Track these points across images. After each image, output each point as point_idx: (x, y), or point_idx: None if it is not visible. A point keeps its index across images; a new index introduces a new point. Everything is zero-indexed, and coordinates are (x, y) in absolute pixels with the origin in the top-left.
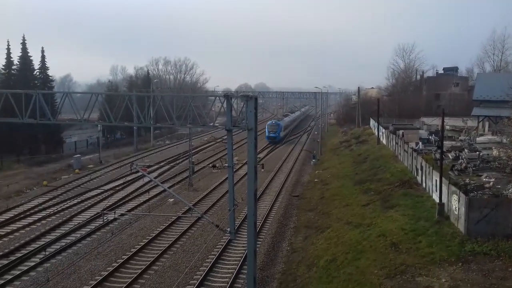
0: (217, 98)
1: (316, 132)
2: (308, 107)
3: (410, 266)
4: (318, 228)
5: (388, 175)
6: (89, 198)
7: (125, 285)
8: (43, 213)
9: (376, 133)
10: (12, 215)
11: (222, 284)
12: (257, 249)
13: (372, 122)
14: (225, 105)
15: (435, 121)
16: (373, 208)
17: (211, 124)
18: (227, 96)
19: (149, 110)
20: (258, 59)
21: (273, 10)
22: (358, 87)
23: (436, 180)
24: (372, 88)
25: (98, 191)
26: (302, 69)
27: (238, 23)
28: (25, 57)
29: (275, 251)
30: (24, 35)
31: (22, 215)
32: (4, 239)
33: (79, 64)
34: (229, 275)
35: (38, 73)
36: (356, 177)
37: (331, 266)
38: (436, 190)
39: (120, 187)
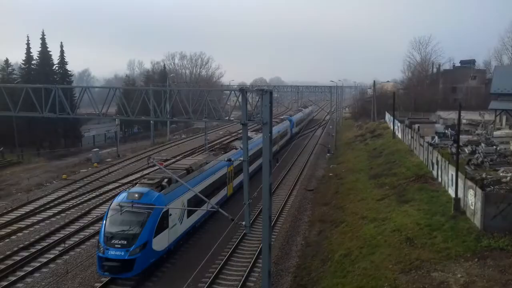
0: (233, 92)
1: (331, 126)
2: (313, 108)
3: (425, 261)
4: (332, 222)
5: (403, 169)
6: (107, 192)
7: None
8: (63, 206)
9: (392, 127)
10: (33, 207)
11: (237, 278)
12: (272, 243)
13: (388, 116)
14: (240, 99)
15: (452, 115)
16: (388, 203)
17: (227, 118)
18: (243, 90)
19: (166, 104)
20: (273, 54)
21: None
22: (374, 81)
23: (452, 175)
24: (388, 81)
25: (116, 184)
26: (317, 63)
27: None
28: (44, 52)
29: (290, 245)
30: (43, 31)
31: (42, 208)
32: (25, 231)
33: (97, 59)
34: (244, 268)
35: (57, 68)
36: (371, 171)
37: (346, 260)
38: (452, 185)
39: (138, 180)
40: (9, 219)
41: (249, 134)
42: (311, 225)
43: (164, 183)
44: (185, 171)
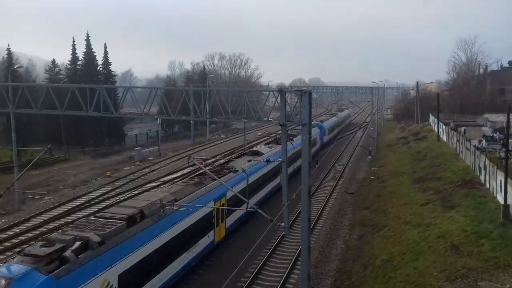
0: (271, 92)
1: (372, 128)
2: (350, 111)
3: (472, 270)
4: (374, 226)
5: (448, 173)
6: (149, 189)
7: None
8: (107, 202)
9: (436, 130)
10: (78, 203)
11: (276, 279)
12: (311, 245)
13: (432, 118)
14: (279, 99)
15: (500, 118)
16: (432, 208)
17: (265, 119)
18: (281, 90)
19: (205, 104)
20: (313, 54)
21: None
22: (417, 82)
23: (501, 181)
24: (432, 82)
25: (158, 182)
26: (358, 63)
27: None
28: (89, 53)
29: (330, 248)
30: (88, 32)
31: (87, 204)
32: (71, 225)
33: (139, 59)
34: (283, 270)
35: (101, 69)
36: (414, 175)
37: (388, 266)
38: (501, 191)
39: (178, 179)
40: (56, 213)
41: (260, 148)
42: (351, 229)
43: (66, 253)
44: (124, 223)
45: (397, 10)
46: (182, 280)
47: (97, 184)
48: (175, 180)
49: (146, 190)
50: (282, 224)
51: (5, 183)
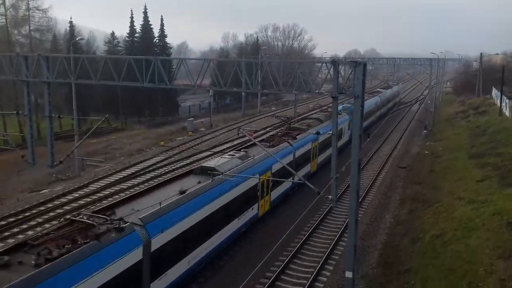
0: (324, 64)
1: (429, 101)
2: (400, 88)
3: None
4: (425, 202)
5: (510, 149)
6: (200, 160)
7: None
8: (160, 171)
9: (499, 104)
10: (134, 171)
11: (322, 249)
12: (359, 218)
13: (495, 92)
14: (331, 71)
15: None
16: (489, 184)
17: (317, 90)
18: (334, 62)
19: (257, 76)
20: (370, 24)
21: None
22: (481, 53)
23: None
24: (497, 54)
25: (208, 152)
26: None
27: None
28: (146, 26)
29: (378, 222)
30: (145, 5)
31: (141, 172)
32: (126, 192)
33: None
34: (329, 241)
35: (157, 41)
36: (472, 150)
37: (438, 241)
38: None
39: (229, 150)
40: (113, 180)
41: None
42: (401, 204)
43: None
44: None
45: None
46: (225, 252)
47: (151, 153)
48: (226, 150)
49: (197, 160)
50: (330, 197)
51: (66, 151)
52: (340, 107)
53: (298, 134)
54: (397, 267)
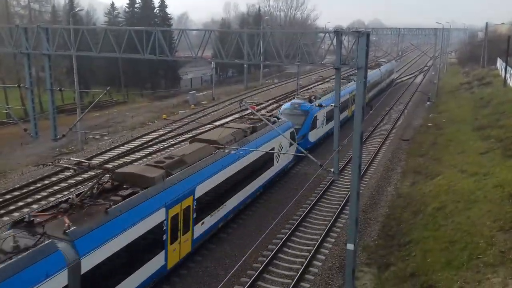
0: (327, 34)
1: (433, 73)
2: (393, 64)
3: None
4: (427, 174)
5: None
6: (203, 132)
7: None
8: (163, 144)
9: (503, 75)
10: (136, 144)
11: (324, 222)
12: (361, 191)
13: (500, 63)
14: (334, 42)
15: None
16: (492, 157)
17: (320, 62)
18: (337, 32)
19: (259, 47)
20: None
21: None
22: (486, 23)
23: None
24: (503, 23)
25: (211, 126)
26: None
27: None
28: None
29: (380, 194)
30: None
31: (144, 145)
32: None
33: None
34: (331, 214)
35: (157, 11)
36: (475, 122)
37: (439, 214)
38: None
39: (232, 124)
40: (116, 153)
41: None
42: (403, 176)
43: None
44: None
45: None
46: (225, 229)
47: (154, 127)
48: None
49: (202, 132)
50: (332, 170)
51: (69, 124)
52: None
53: None
54: (398, 239)
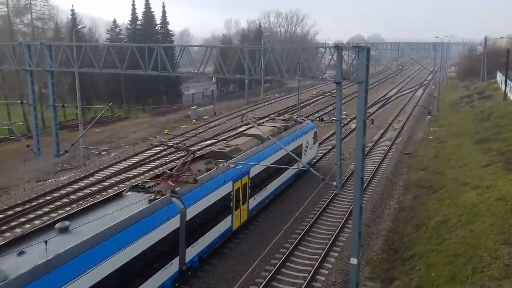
0: (327, 49)
1: (433, 86)
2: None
3: None
4: (430, 188)
5: None
6: (204, 147)
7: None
8: (165, 159)
9: (503, 88)
10: (138, 159)
11: (326, 236)
12: (364, 205)
13: (499, 76)
14: (335, 57)
15: None
16: (494, 170)
17: (320, 77)
18: (338, 47)
19: (260, 62)
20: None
21: None
22: (485, 37)
23: None
24: (502, 37)
25: (213, 140)
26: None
27: None
28: (148, 13)
29: (382, 208)
30: None
31: (146, 160)
32: (132, 180)
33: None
34: (334, 227)
35: (159, 28)
36: (476, 135)
37: (442, 227)
38: None
39: (233, 137)
40: (118, 169)
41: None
42: (406, 190)
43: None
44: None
45: None
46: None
47: (155, 142)
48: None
49: (202, 148)
50: (334, 183)
51: (71, 140)
52: None
53: None
54: (401, 253)
